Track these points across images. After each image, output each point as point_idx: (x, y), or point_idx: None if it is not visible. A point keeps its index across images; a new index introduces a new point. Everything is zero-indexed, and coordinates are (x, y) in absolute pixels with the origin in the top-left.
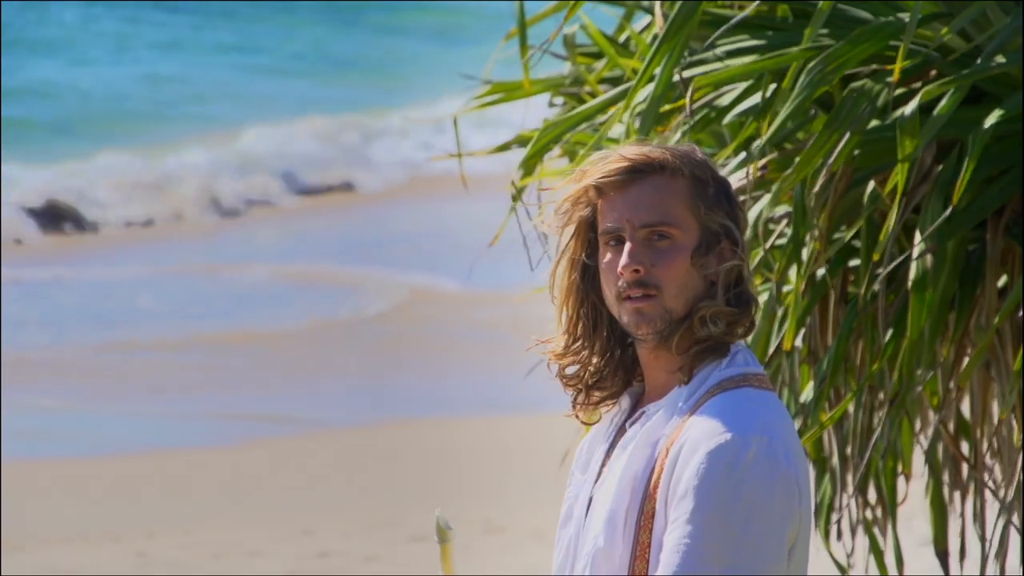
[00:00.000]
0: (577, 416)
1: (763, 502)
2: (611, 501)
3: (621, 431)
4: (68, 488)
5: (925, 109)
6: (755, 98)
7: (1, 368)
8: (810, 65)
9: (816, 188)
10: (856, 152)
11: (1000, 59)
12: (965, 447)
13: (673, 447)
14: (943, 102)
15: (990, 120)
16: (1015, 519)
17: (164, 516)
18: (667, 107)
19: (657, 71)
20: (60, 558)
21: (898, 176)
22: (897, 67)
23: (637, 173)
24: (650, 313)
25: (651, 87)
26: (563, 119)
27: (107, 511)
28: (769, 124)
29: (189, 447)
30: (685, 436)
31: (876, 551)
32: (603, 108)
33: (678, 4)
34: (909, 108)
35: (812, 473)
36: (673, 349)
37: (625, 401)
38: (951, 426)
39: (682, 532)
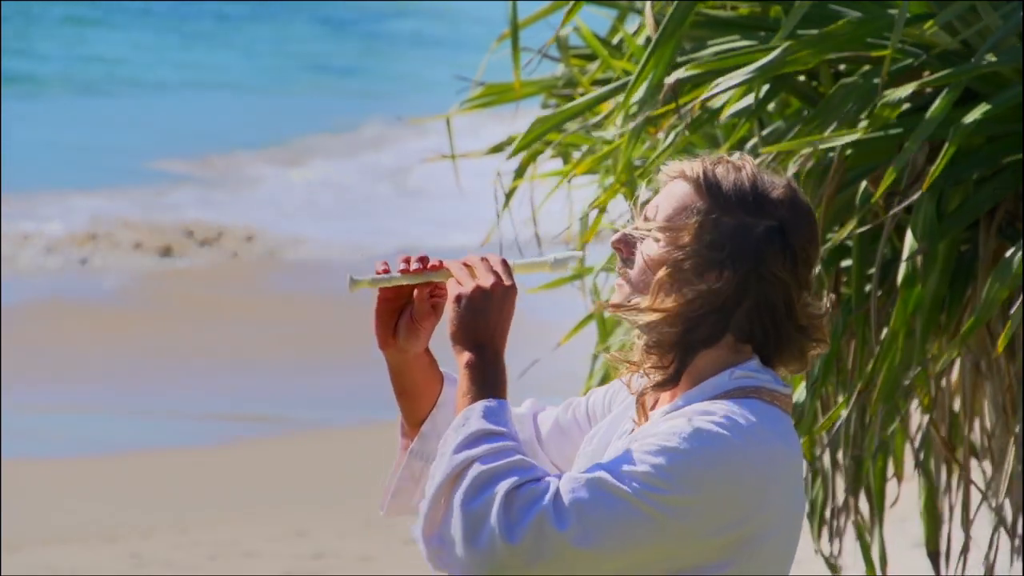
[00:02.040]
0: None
1: (713, 474)
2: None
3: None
4: (63, 489)
5: (919, 109)
6: (748, 99)
7: (0, 368)
8: (779, 48)
9: (790, 169)
10: (848, 152)
11: (991, 58)
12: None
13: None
14: (937, 102)
15: (973, 115)
16: (1006, 519)
17: (160, 517)
18: (661, 110)
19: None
20: (56, 558)
21: (890, 176)
22: (887, 61)
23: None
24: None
25: (643, 88)
26: (551, 115)
27: (102, 512)
28: (763, 127)
29: (184, 447)
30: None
31: (866, 551)
32: (592, 105)
33: (673, 5)
34: (932, 110)
35: (805, 473)
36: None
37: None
38: (943, 428)
39: (628, 450)
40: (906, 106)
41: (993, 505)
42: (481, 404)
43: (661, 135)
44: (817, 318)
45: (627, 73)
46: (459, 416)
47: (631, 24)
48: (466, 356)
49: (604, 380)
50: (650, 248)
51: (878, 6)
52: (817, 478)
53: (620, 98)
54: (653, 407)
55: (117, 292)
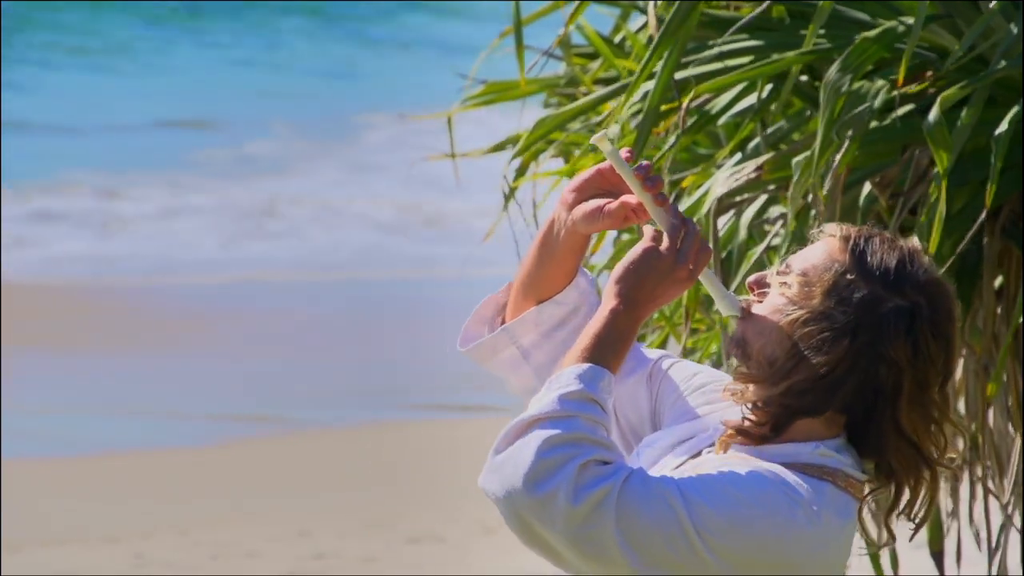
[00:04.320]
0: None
1: (767, 543)
2: None
3: (698, 454)
4: (63, 489)
5: (922, 111)
6: (751, 99)
7: (1, 368)
8: (830, 78)
9: (824, 191)
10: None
11: (1003, 63)
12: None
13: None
14: (965, 109)
15: (1005, 124)
16: (1015, 520)
17: (161, 517)
18: (664, 107)
19: (656, 69)
20: (56, 559)
21: (940, 190)
22: (901, 74)
23: None
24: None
25: (648, 87)
26: (555, 115)
27: (102, 512)
28: (765, 127)
29: (185, 447)
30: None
31: (872, 552)
32: (595, 106)
33: (675, 4)
34: (932, 115)
35: None
36: None
37: (715, 429)
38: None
39: (704, 478)
40: (910, 106)
41: (1003, 505)
42: (608, 374)
43: (663, 135)
44: (923, 440)
45: (630, 72)
46: (584, 365)
47: (634, 23)
48: (617, 302)
49: None
50: (782, 293)
51: (883, 7)
52: None
53: (623, 98)
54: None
55: (117, 292)
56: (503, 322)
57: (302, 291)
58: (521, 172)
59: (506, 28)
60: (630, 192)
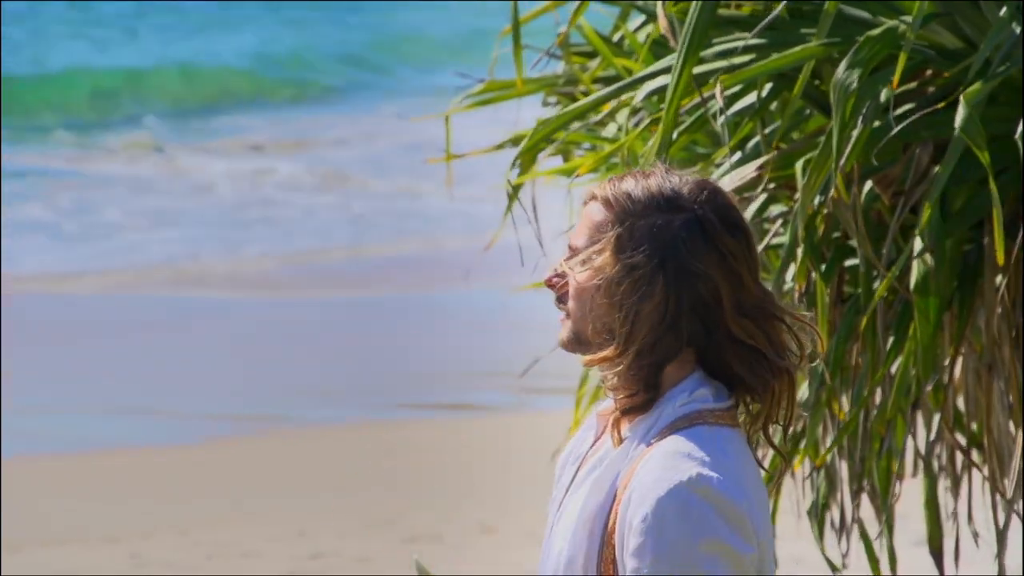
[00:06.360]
0: None
1: (717, 548)
2: (569, 545)
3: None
4: (63, 489)
5: (920, 108)
6: (751, 98)
7: (1, 367)
8: (839, 78)
9: (831, 192)
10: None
11: (1005, 64)
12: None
13: (628, 487)
14: (962, 108)
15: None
16: (1017, 510)
17: (161, 517)
18: (685, 101)
19: (668, 66)
20: (55, 558)
21: (992, 186)
22: (897, 75)
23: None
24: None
25: (656, 84)
26: (556, 117)
27: (102, 512)
28: (765, 126)
29: (184, 446)
30: (637, 478)
31: (870, 551)
32: (596, 106)
33: (696, 3)
34: (962, 111)
35: (806, 478)
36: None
37: (599, 425)
38: (948, 421)
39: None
40: (910, 105)
41: (1005, 501)
42: None
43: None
44: (759, 341)
45: (627, 71)
46: None
47: (632, 22)
48: None
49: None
50: (580, 276)
51: (884, 6)
52: (820, 475)
53: (624, 96)
54: (609, 427)
55: (117, 292)
56: None
57: (302, 292)
58: (523, 171)
59: (505, 27)
60: None
